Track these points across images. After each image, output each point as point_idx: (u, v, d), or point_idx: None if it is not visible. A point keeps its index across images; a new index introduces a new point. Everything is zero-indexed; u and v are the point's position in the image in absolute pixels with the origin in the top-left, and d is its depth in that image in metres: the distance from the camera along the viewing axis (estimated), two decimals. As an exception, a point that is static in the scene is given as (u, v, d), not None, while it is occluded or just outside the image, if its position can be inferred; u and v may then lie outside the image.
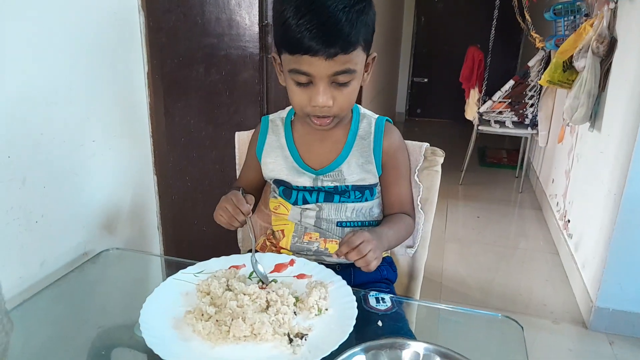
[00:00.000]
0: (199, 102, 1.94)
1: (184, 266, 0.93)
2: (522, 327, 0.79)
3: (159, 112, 1.28)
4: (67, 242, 1.02)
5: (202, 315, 0.79)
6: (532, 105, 3.40)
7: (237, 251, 1.23)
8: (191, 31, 1.86)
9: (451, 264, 2.57)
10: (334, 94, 0.86)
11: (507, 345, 0.82)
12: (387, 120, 1.02)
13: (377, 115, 1.02)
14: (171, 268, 1.01)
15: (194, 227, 1.82)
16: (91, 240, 1.08)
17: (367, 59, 0.89)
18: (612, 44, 2.10)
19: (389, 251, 1.10)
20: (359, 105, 1.03)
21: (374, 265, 0.84)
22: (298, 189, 1.01)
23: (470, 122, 3.71)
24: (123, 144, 1.16)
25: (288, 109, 1.04)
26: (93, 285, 0.98)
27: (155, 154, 1.27)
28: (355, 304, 0.80)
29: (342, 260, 1.00)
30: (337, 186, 0.99)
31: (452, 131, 5.46)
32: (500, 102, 3.45)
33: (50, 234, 0.98)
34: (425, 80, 5.98)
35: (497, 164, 4.33)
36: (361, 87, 0.94)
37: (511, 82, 3.37)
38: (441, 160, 1.07)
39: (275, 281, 0.90)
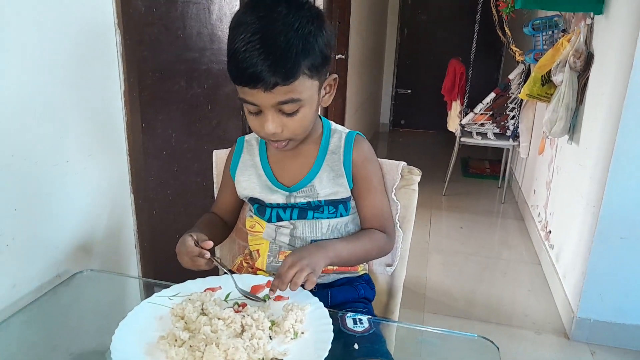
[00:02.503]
0: (181, 115, 1.94)
1: (160, 288, 0.92)
2: (498, 348, 0.80)
3: (135, 130, 1.26)
4: (40, 264, 1.01)
5: (176, 340, 0.78)
6: (513, 117, 3.44)
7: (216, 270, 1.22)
8: (173, 45, 1.86)
9: (435, 275, 2.58)
10: (283, 121, 0.87)
11: (483, 367, 0.82)
12: (357, 134, 1.02)
13: (348, 130, 1.03)
14: (147, 289, 0.99)
15: (175, 241, 1.81)
16: (65, 262, 1.06)
17: (322, 83, 0.90)
18: (588, 59, 2.14)
19: (366, 269, 1.10)
20: (330, 121, 1.04)
21: (308, 285, 0.83)
22: (272, 206, 1.01)
23: (453, 133, 3.75)
24: (98, 163, 1.14)
25: None
26: (65, 309, 0.96)
27: (132, 172, 1.26)
28: (331, 327, 0.80)
29: (319, 280, 1.01)
30: (310, 202, 0.99)
31: (436, 142, 5.50)
32: (482, 114, 3.49)
33: (21, 257, 0.96)
34: (409, 91, 6.03)
35: (480, 175, 4.37)
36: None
37: (492, 95, 3.41)
38: (418, 178, 1.07)
39: (267, 298, 0.89)
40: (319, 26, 0.84)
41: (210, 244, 0.89)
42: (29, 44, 0.93)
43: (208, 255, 0.87)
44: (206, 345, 0.75)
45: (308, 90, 0.86)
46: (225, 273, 0.93)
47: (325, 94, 0.93)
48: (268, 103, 0.84)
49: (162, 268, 1.55)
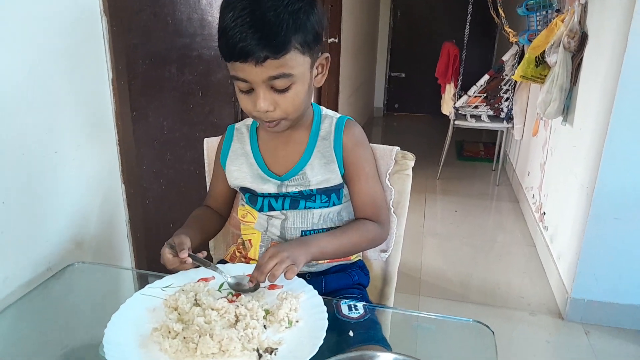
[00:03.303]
0: (173, 102, 1.91)
1: (154, 279, 0.91)
2: (493, 332, 0.80)
3: (125, 119, 1.24)
4: (31, 258, 0.99)
5: (169, 332, 0.77)
6: (507, 99, 3.43)
7: (210, 259, 1.21)
8: (163, 31, 1.82)
9: (430, 259, 2.59)
10: (275, 98, 0.86)
11: (478, 351, 0.82)
12: (348, 118, 1.01)
13: (339, 115, 1.02)
14: (141, 281, 0.99)
15: (170, 230, 1.80)
16: (56, 255, 1.05)
17: (314, 61, 0.89)
18: (583, 39, 2.12)
19: (360, 255, 1.10)
20: (321, 107, 1.02)
21: (289, 274, 0.83)
22: (263, 195, 1.00)
23: (448, 116, 3.74)
24: (87, 154, 1.12)
25: None
26: (57, 303, 0.95)
27: (122, 162, 1.24)
28: (326, 315, 0.79)
29: (313, 269, 1.01)
30: (301, 191, 0.98)
31: (430, 125, 5.49)
32: (475, 96, 3.48)
33: (11, 250, 0.94)
34: (403, 75, 5.99)
35: (474, 158, 4.37)
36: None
37: (486, 77, 3.39)
38: (412, 163, 1.06)
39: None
40: (310, 3, 0.84)
41: (185, 252, 0.86)
42: (12, 35, 0.90)
43: (190, 260, 0.87)
44: (200, 336, 0.75)
45: (300, 66, 0.85)
46: (219, 262, 0.92)
47: (318, 74, 0.92)
48: (259, 78, 0.82)
49: (156, 258, 1.54)
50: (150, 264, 1.43)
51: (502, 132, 3.72)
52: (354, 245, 1.00)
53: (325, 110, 1.02)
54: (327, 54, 0.91)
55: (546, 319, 2.09)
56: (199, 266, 0.90)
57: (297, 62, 0.84)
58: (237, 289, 0.88)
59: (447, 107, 3.71)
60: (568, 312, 2.05)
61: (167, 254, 0.88)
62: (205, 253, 0.91)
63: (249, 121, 1.04)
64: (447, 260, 2.60)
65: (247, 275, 0.89)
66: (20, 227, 0.96)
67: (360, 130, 1.01)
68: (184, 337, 0.76)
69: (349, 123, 1.00)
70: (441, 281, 2.38)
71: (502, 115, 3.51)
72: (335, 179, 0.98)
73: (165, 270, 0.94)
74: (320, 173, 0.97)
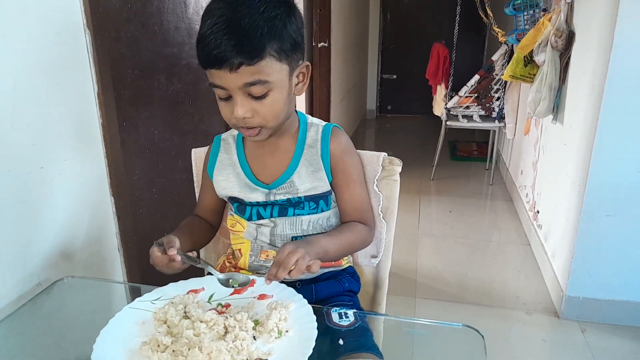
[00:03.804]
0: (163, 112, 1.91)
1: (143, 292, 0.90)
2: (483, 336, 0.80)
3: (112, 131, 1.24)
4: (19, 274, 0.99)
5: (159, 345, 0.77)
6: (498, 98, 3.45)
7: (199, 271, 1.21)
8: (150, 41, 1.82)
9: (425, 260, 2.59)
10: (253, 105, 0.86)
11: (468, 355, 0.82)
12: (334, 126, 1.01)
13: (325, 123, 1.02)
14: (133, 294, 0.98)
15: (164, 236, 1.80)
16: (45, 270, 1.04)
17: (294, 69, 0.89)
18: (570, 38, 2.14)
19: (350, 262, 1.10)
20: (307, 115, 1.03)
21: (314, 269, 0.83)
22: (251, 204, 1.00)
23: (440, 117, 3.75)
24: (75, 167, 1.12)
25: None
26: (47, 318, 0.94)
27: (110, 174, 1.23)
28: (315, 324, 0.79)
29: (303, 276, 1.00)
30: (290, 199, 0.98)
31: (423, 126, 5.50)
32: (466, 97, 3.49)
33: (0, 267, 0.94)
34: (394, 76, 6.01)
35: (467, 158, 4.38)
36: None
37: (476, 77, 3.41)
38: (399, 169, 1.06)
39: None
40: (287, 12, 0.85)
41: (173, 250, 0.85)
42: (-7, 50, 0.90)
43: (179, 258, 0.85)
44: (189, 349, 0.74)
45: (276, 73, 0.85)
46: (198, 265, 0.91)
47: (299, 82, 0.92)
48: (235, 85, 0.83)
49: (149, 271, 1.54)
50: (143, 277, 1.42)
51: (495, 131, 3.73)
52: (351, 246, 1.00)
53: (310, 118, 1.03)
54: (307, 63, 0.92)
55: (542, 318, 2.09)
56: (187, 264, 0.88)
57: (273, 69, 0.84)
58: (227, 285, 0.89)
59: (438, 108, 3.72)
60: (564, 310, 2.06)
61: (155, 252, 0.86)
62: (195, 253, 0.90)
63: (235, 131, 1.04)
64: (443, 261, 2.60)
65: (252, 280, 0.90)
66: (8, 243, 0.96)
67: (347, 137, 1.02)
68: (173, 350, 0.75)
69: (336, 131, 1.00)
70: (437, 282, 2.38)
71: (494, 114, 3.52)
72: (323, 186, 0.99)
73: (156, 283, 0.93)
74: (308, 181, 0.97)
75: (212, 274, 0.91)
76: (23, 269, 1.00)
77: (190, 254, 0.89)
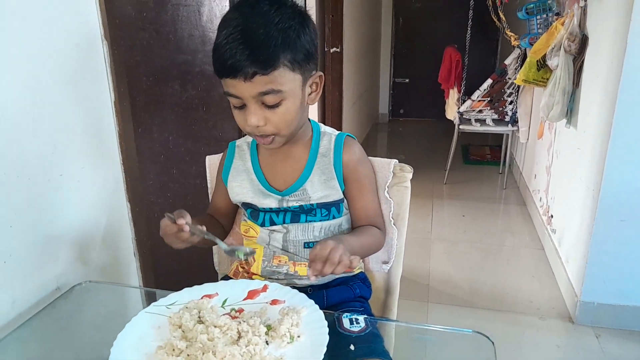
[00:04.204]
0: (177, 118, 1.94)
1: (158, 296, 0.92)
2: (493, 342, 0.80)
3: (128, 139, 1.27)
4: (39, 279, 1.02)
5: (174, 350, 0.78)
6: (511, 102, 3.43)
7: (214, 274, 1.23)
8: (165, 48, 1.86)
9: (438, 265, 2.59)
10: (266, 114, 0.88)
11: (478, 362, 0.82)
12: (347, 135, 1.02)
13: (338, 132, 1.03)
14: (147, 298, 1.00)
15: (177, 245, 1.83)
16: (64, 275, 1.07)
17: (307, 79, 0.90)
18: (583, 42, 2.13)
19: (362, 267, 1.11)
20: (320, 124, 1.04)
21: (355, 264, 0.84)
22: (265, 210, 1.01)
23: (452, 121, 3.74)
24: (92, 175, 1.15)
25: None
26: (65, 323, 0.97)
27: (127, 181, 1.26)
28: (327, 329, 0.80)
29: (315, 282, 1.02)
30: (302, 205, 0.99)
31: (436, 130, 5.48)
32: (479, 100, 3.47)
33: (20, 273, 0.97)
34: (407, 80, 6.00)
35: (480, 161, 4.36)
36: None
37: (489, 81, 3.39)
38: (410, 176, 1.07)
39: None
40: (301, 23, 0.86)
41: (182, 220, 0.86)
42: (16, 62, 0.93)
43: (187, 228, 0.87)
44: (203, 354, 0.76)
45: (290, 83, 0.86)
46: (223, 278, 0.94)
47: (312, 92, 0.94)
48: (249, 94, 0.84)
49: (164, 275, 1.56)
50: (158, 282, 1.45)
51: (508, 135, 3.71)
52: (369, 247, 1.02)
53: (323, 127, 1.04)
54: (320, 73, 0.93)
55: (556, 323, 2.08)
56: (195, 238, 0.90)
57: (286, 79, 0.85)
58: (232, 255, 0.92)
59: (451, 112, 3.71)
60: (578, 315, 2.04)
61: (165, 221, 0.88)
62: (204, 227, 0.91)
63: (249, 138, 1.06)
64: (455, 265, 2.60)
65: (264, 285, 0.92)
66: (28, 249, 0.99)
67: (360, 147, 1.03)
68: (188, 355, 0.77)
69: (348, 140, 1.02)
70: (449, 287, 2.37)
71: (507, 118, 3.50)
72: (335, 194, 1.00)
73: (171, 287, 0.95)
74: (321, 189, 0.99)
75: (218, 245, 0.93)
76: (42, 275, 1.03)
77: (199, 226, 0.90)
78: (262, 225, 1.03)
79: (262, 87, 0.84)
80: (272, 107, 0.87)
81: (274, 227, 1.02)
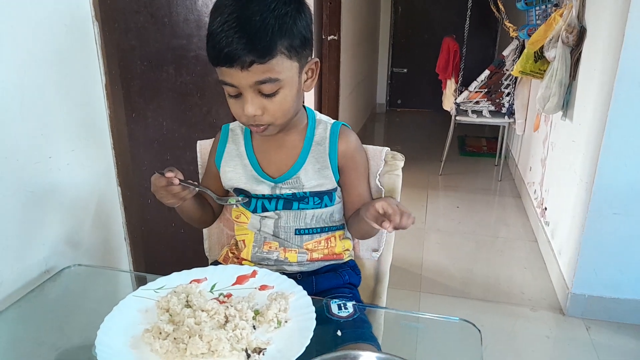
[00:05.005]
0: (171, 103, 1.93)
1: (148, 281, 0.92)
2: (479, 330, 0.80)
3: (120, 122, 1.26)
4: (27, 261, 1.01)
5: (160, 333, 0.78)
6: (508, 94, 3.42)
7: (205, 260, 1.23)
8: (160, 32, 1.84)
9: (431, 255, 2.60)
10: (263, 103, 0.86)
11: (464, 349, 0.83)
12: (343, 124, 1.02)
13: (333, 121, 1.02)
14: (137, 283, 1.00)
15: (170, 230, 1.82)
16: (53, 258, 1.07)
17: (303, 66, 0.89)
18: (581, 34, 2.12)
19: (352, 255, 1.11)
20: (315, 112, 1.03)
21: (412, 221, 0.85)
22: (257, 197, 1.01)
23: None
24: (82, 158, 1.14)
25: None
26: (53, 305, 0.96)
27: (117, 165, 1.25)
28: (314, 315, 0.80)
29: (304, 268, 1.02)
30: (295, 193, 0.99)
31: (433, 121, 5.47)
32: (476, 92, 3.47)
33: (8, 255, 0.96)
34: (405, 70, 5.98)
35: (476, 153, 4.36)
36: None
37: (487, 72, 3.38)
38: (401, 164, 1.07)
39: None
40: (297, 9, 0.84)
41: (172, 173, 0.87)
42: (2, 42, 0.91)
43: (177, 181, 0.87)
44: (190, 337, 0.76)
45: (287, 70, 0.85)
46: (213, 263, 0.93)
47: (307, 78, 0.92)
48: (246, 83, 0.83)
49: (154, 260, 1.56)
50: (148, 266, 1.44)
51: (504, 127, 3.71)
52: (373, 229, 0.99)
53: (319, 115, 1.03)
54: (316, 59, 0.92)
55: (547, 315, 2.09)
56: (187, 193, 0.91)
57: (283, 67, 0.84)
58: (225, 203, 1.00)
59: (448, 102, 3.70)
60: (569, 307, 2.05)
61: (155, 176, 0.88)
62: (196, 184, 0.92)
63: None
64: (449, 256, 2.61)
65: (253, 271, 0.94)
66: (17, 232, 0.98)
67: (356, 136, 1.03)
68: (175, 338, 0.77)
69: (344, 130, 1.01)
70: (442, 277, 2.39)
71: (504, 110, 3.50)
72: (329, 184, 1.00)
73: (161, 272, 0.95)
74: (314, 178, 0.98)
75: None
76: (31, 257, 1.02)
77: (190, 181, 0.90)
78: (254, 211, 1.02)
79: (259, 76, 0.82)
80: (268, 95, 0.85)
81: (265, 214, 1.02)
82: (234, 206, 1.01)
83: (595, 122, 1.91)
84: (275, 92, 0.85)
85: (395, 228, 0.83)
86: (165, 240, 1.92)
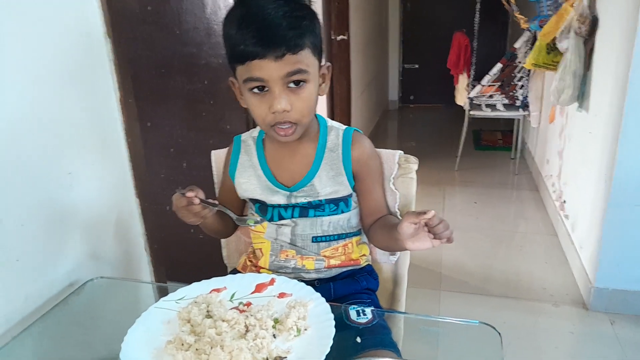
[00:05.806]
0: (184, 111, 1.95)
1: (169, 291, 0.94)
2: (499, 333, 0.80)
3: (134, 134, 1.28)
4: (51, 275, 1.03)
5: (182, 344, 0.80)
6: (521, 86, 3.38)
7: (223, 267, 1.24)
8: (170, 42, 1.87)
9: (450, 252, 2.58)
10: (291, 98, 0.87)
11: (485, 353, 0.82)
12: (355, 130, 1.02)
13: (345, 127, 1.03)
14: (159, 293, 1.01)
15: (189, 236, 1.84)
16: (75, 271, 1.09)
17: (320, 68, 0.91)
18: (593, 23, 2.08)
19: (369, 260, 1.11)
20: (326, 118, 1.03)
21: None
22: (273, 206, 1.01)
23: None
24: (100, 171, 1.16)
25: (259, 128, 1.04)
26: (78, 318, 0.99)
27: (135, 177, 1.27)
28: (333, 322, 0.81)
29: (322, 275, 1.02)
30: (310, 201, 0.99)
31: (446, 116, 5.42)
32: (489, 85, 3.43)
33: (32, 270, 0.99)
34: (416, 66, 5.93)
35: (492, 147, 4.31)
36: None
37: (499, 65, 3.34)
38: (415, 167, 1.06)
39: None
40: (313, 14, 0.88)
41: (192, 192, 0.87)
42: (15, 61, 0.94)
43: (197, 201, 0.88)
44: (211, 348, 0.77)
45: (312, 66, 0.87)
46: (232, 272, 0.94)
47: (322, 82, 0.94)
48: (277, 75, 0.84)
49: (174, 269, 1.58)
50: (169, 276, 1.46)
51: (519, 120, 3.66)
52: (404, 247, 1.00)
53: (330, 122, 1.03)
54: (328, 64, 0.94)
55: (570, 310, 2.06)
56: (207, 211, 0.92)
57: (310, 62, 0.86)
58: (244, 223, 1.02)
59: (461, 97, 3.67)
60: (592, 302, 2.02)
61: (176, 195, 0.90)
62: (217, 202, 0.94)
63: (254, 132, 1.06)
64: (468, 252, 2.58)
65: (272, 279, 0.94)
66: (40, 246, 1.01)
67: (369, 142, 1.03)
68: (197, 349, 0.78)
69: (357, 135, 1.01)
70: (462, 275, 2.37)
71: (518, 103, 3.46)
72: (344, 190, 1.00)
73: (182, 280, 0.96)
74: (329, 185, 0.98)
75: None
76: (54, 271, 1.05)
77: (210, 200, 0.92)
78: (271, 220, 1.02)
79: (290, 66, 0.83)
80: (296, 91, 0.86)
81: (282, 222, 1.02)
82: (252, 227, 1.02)
83: (612, 113, 1.88)
84: (302, 87, 0.87)
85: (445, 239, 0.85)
86: (184, 248, 1.94)
